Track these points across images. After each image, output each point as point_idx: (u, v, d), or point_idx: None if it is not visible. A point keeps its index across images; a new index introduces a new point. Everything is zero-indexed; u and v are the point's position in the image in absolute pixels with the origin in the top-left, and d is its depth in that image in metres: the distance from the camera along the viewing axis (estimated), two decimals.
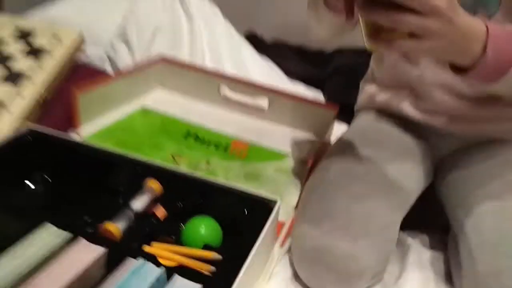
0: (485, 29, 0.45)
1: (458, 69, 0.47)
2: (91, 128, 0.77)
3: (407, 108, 0.67)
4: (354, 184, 0.57)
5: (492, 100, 0.60)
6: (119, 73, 0.84)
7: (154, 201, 0.53)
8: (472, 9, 0.56)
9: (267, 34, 1.33)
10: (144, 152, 0.72)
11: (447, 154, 0.67)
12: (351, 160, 0.60)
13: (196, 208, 0.53)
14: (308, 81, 1.13)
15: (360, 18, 0.45)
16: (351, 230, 0.52)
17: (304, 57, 1.20)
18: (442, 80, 0.62)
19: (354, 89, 0.81)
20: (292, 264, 0.56)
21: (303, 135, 0.87)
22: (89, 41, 0.95)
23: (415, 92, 0.65)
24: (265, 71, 1.08)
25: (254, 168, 0.74)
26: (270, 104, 0.89)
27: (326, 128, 0.80)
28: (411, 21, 0.40)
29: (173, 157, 0.72)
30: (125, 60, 0.97)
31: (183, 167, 0.70)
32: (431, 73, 0.62)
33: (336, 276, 0.51)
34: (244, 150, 0.78)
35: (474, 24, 0.45)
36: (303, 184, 0.68)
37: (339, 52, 1.19)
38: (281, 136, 0.85)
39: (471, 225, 0.54)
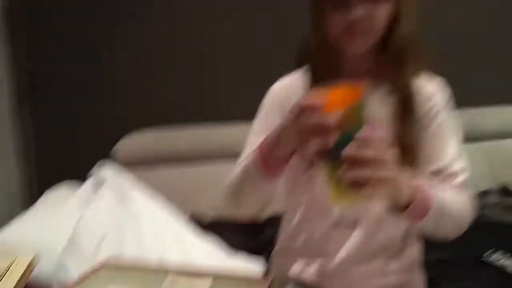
0: (412, 181, 0.63)
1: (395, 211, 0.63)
2: None
3: (307, 276, 0.79)
4: None
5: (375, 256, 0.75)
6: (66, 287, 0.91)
7: None
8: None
9: (209, 213, 1.49)
10: None
11: None
12: None
13: None
14: (248, 251, 1.24)
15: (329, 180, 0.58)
16: None
17: (241, 228, 1.34)
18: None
19: None
20: None
21: None
22: (39, 256, 1.03)
23: (322, 262, 0.79)
24: (207, 251, 1.19)
25: None
26: (212, 285, 0.97)
27: None
28: (384, 173, 0.55)
29: None
30: (74, 272, 1.04)
31: None
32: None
33: None
34: None
35: (404, 177, 0.61)
36: None
37: (270, 222, 1.34)
38: None
39: None
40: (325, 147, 0.56)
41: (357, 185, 0.55)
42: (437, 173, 0.74)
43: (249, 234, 1.30)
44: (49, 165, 1.77)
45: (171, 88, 1.76)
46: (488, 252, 1.08)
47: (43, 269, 1.06)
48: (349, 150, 0.54)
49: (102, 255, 1.07)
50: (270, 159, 0.67)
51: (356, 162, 0.54)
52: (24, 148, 1.76)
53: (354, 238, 0.76)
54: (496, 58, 1.88)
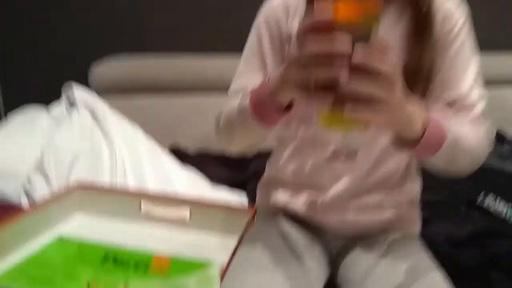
0: (425, 111, 0.55)
1: (402, 145, 0.57)
2: (1, 267, 0.73)
3: (300, 207, 0.74)
4: None
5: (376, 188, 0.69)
6: (34, 205, 0.83)
7: None
8: None
9: (190, 146, 1.41)
10: (56, 286, 0.69)
11: (339, 250, 0.73)
12: (250, 273, 0.62)
13: None
14: (231, 184, 1.18)
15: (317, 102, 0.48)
16: None
17: (226, 163, 1.26)
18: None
19: None
20: None
21: (227, 239, 0.89)
22: (4, 176, 0.95)
23: (313, 194, 0.72)
24: (188, 182, 1.13)
25: (176, 283, 0.73)
26: (191, 215, 0.91)
27: (242, 230, 0.82)
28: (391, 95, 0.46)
29: (88, 285, 0.70)
30: (42, 192, 0.97)
31: None
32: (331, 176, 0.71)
33: None
34: (165, 265, 0.78)
35: (416, 107, 0.54)
36: None
37: (258, 157, 1.27)
38: (205, 245, 0.86)
39: None
40: (337, 78, 0.45)
41: (357, 106, 0.46)
42: (453, 103, 0.67)
43: (234, 168, 1.23)
44: (15, 89, 1.65)
45: (149, 13, 1.60)
46: (481, 195, 1.05)
47: (11, 187, 0.98)
48: (356, 57, 0.44)
49: (75, 178, 0.98)
50: (265, 110, 0.57)
51: (360, 75, 0.45)
52: None
53: (351, 172, 0.70)
54: None
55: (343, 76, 0.45)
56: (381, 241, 0.70)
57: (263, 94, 0.57)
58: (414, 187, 0.75)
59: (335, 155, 0.70)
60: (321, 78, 0.46)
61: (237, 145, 0.71)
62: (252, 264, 0.63)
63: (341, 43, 0.44)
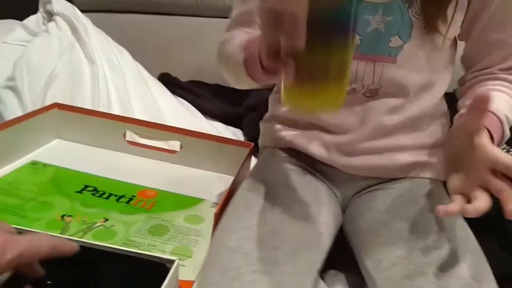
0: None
1: None
2: None
3: (315, 148, 0.65)
4: (257, 249, 0.49)
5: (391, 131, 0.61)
6: (4, 124, 0.73)
7: (19, 280, 0.44)
8: (388, 36, 0.57)
9: (183, 76, 1.29)
10: (25, 216, 0.61)
11: (353, 194, 0.66)
12: (253, 216, 0.54)
13: (77, 282, 0.44)
14: (226, 119, 1.09)
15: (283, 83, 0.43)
16: None
17: (221, 95, 1.16)
18: None
19: None
20: None
21: (219, 177, 0.82)
22: None
23: (325, 135, 0.64)
24: (179, 112, 1.03)
25: (161, 220, 0.66)
26: (181, 147, 0.83)
27: (239, 166, 0.75)
28: None
29: (62, 217, 0.62)
30: (14, 111, 0.86)
31: (71, 230, 0.60)
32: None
33: None
34: (151, 200, 0.70)
35: None
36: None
37: (257, 90, 1.17)
38: (194, 181, 0.79)
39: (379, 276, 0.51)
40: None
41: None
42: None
43: (229, 101, 1.12)
44: None
45: None
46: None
47: None
48: None
49: (51, 98, 0.87)
50: (257, 74, 0.49)
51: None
52: None
53: (370, 111, 0.61)
54: None
55: (301, 42, 0.38)
56: (400, 184, 0.63)
57: (252, 57, 0.49)
58: (441, 130, 0.66)
59: (352, 92, 0.61)
60: (282, 44, 0.39)
61: (237, 85, 0.66)
62: (254, 207, 0.56)
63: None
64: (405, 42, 0.58)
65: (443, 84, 0.64)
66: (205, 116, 1.09)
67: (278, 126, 0.70)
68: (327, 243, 0.56)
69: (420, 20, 0.56)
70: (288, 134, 0.68)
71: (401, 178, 0.65)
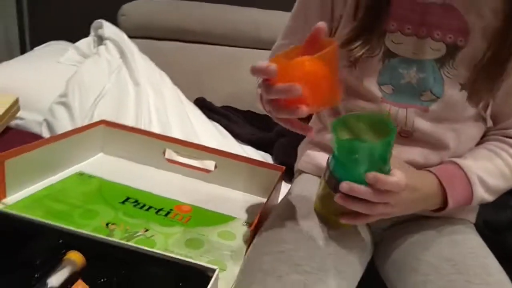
0: (438, 183, 0.57)
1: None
2: (17, 196, 0.70)
3: None
4: (291, 272, 0.51)
5: None
6: (53, 137, 0.80)
7: (75, 276, 0.48)
8: (420, 90, 0.60)
9: (217, 101, 1.35)
10: (73, 222, 0.66)
11: (385, 228, 0.67)
12: (287, 240, 0.56)
13: (124, 282, 0.48)
14: (257, 144, 1.13)
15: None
16: None
17: (253, 121, 1.21)
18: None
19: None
20: None
21: (250, 197, 0.85)
22: (28, 105, 0.92)
23: None
24: (213, 135, 1.08)
25: (196, 234, 0.69)
26: (216, 167, 0.87)
27: (271, 189, 0.78)
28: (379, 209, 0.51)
29: (107, 225, 0.67)
30: (65, 125, 0.93)
31: (115, 237, 0.64)
32: None
33: None
34: (187, 214, 0.74)
35: (428, 186, 0.56)
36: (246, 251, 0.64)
37: None
38: (227, 200, 0.83)
39: None
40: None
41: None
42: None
43: (260, 127, 1.17)
44: (42, 27, 1.59)
45: None
46: None
47: (33, 118, 0.94)
48: (346, 188, 0.50)
49: (98, 115, 0.94)
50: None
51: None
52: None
53: (409, 151, 0.63)
54: None
55: None
56: (434, 221, 0.64)
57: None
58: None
59: None
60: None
61: None
62: (289, 231, 0.58)
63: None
64: (437, 97, 0.60)
65: (474, 135, 0.65)
66: (236, 140, 1.14)
67: (317, 153, 0.72)
68: (359, 272, 0.58)
69: (453, 80, 0.59)
70: (319, 159, 0.71)
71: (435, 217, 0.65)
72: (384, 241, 0.65)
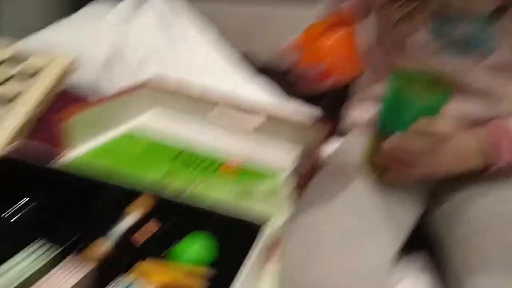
0: (489, 140, 0.54)
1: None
2: (78, 151, 0.76)
3: None
4: (343, 222, 0.53)
5: None
6: (107, 97, 0.83)
7: (144, 221, 0.52)
8: (472, 48, 0.57)
9: (262, 56, 1.34)
10: (133, 174, 0.70)
11: (436, 184, 0.65)
12: (338, 193, 0.57)
13: (185, 229, 0.52)
14: (303, 99, 1.12)
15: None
16: (341, 279, 0.48)
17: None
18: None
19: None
20: None
21: (296, 153, 0.86)
22: (81, 65, 0.95)
23: None
24: (259, 91, 1.09)
25: (245, 188, 0.72)
26: (263, 122, 0.88)
27: (319, 145, 0.78)
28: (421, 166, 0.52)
29: (163, 178, 0.71)
30: (115, 84, 0.96)
31: (171, 189, 0.68)
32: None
33: None
34: (235, 170, 0.77)
35: (474, 143, 0.55)
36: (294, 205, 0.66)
37: None
38: (274, 154, 0.84)
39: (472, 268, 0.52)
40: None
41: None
42: None
43: None
44: None
45: None
46: None
47: (80, 78, 0.98)
48: (389, 146, 0.51)
49: (144, 75, 0.97)
50: None
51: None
52: None
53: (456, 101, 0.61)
54: None
55: None
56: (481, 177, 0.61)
57: None
58: None
59: None
60: None
61: None
62: (338, 184, 0.59)
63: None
64: (493, 50, 0.57)
65: None
66: (282, 96, 1.14)
67: (368, 107, 0.71)
68: (409, 225, 0.58)
69: (509, 32, 0.55)
70: (367, 114, 0.70)
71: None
72: (434, 196, 0.65)
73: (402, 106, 0.51)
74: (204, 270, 0.46)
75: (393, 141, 0.51)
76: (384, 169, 0.55)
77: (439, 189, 0.64)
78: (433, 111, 0.51)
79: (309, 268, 0.49)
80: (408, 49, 0.61)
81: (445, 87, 0.52)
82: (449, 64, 0.59)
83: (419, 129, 0.50)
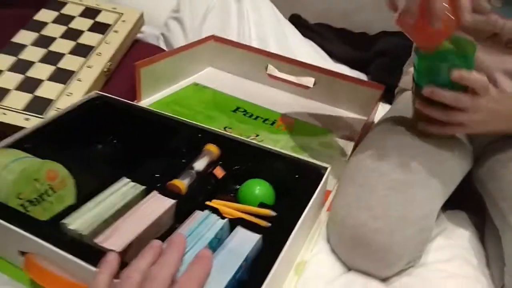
0: None
1: None
2: (148, 100, 0.83)
3: None
4: (393, 171, 0.56)
5: None
6: (174, 50, 0.89)
7: (213, 163, 0.58)
8: None
9: (310, 18, 1.35)
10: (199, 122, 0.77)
11: (489, 140, 0.67)
12: (391, 146, 0.60)
13: (251, 172, 0.58)
14: (351, 63, 1.15)
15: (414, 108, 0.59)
16: (388, 223, 0.52)
17: (347, 39, 1.21)
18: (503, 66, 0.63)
19: (398, 72, 0.83)
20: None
21: (347, 114, 0.90)
22: (146, 20, 1.01)
23: None
24: (308, 52, 1.11)
25: (300, 142, 0.77)
26: (315, 83, 0.92)
27: (371, 107, 0.82)
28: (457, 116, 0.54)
29: (224, 129, 0.77)
30: (178, 39, 1.02)
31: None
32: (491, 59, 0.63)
33: (373, 264, 0.53)
34: (290, 125, 0.82)
35: None
36: (347, 160, 0.71)
37: (384, 35, 1.19)
38: (326, 115, 0.89)
39: None
40: None
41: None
42: None
43: (356, 45, 1.17)
44: None
45: None
46: None
47: (150, 31, 1.04)
48: (428, 92, 0.54)
49: (207, 29, 1.02)
50: None
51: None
52: None
53: None
54: None
55: None
56: None
57: None
58: None
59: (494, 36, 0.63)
60: None
61: None
62: (392, 140, 0.62)
63: None
64: None
65: None
66: (331, 58, 1.16)
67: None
68: (457, 178, 0.61)
69: None
70: None
71: None
72: (484, 155, 0.66)
73: (434, 64, 0.54)
74: (267, 212, 0.52)
75: (429, 92, 0.54)
76: (428, 120, 0.58)
77: (488, 149, 0.67)
78: (465, 62, 0.52)
79: (358, 210, 0.54)
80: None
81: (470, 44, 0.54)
82: (506, 20, 0.59)
83: (457, 78, 0.52)
